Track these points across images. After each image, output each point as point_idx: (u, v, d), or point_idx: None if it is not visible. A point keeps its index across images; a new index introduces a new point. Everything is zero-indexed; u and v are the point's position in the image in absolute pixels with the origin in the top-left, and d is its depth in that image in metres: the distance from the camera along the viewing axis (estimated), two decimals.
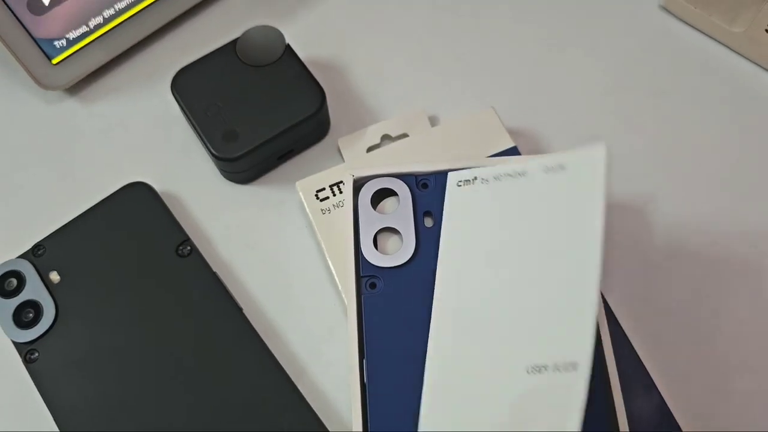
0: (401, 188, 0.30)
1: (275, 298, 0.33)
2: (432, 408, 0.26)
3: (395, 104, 0.38)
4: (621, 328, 0.31)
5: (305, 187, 0.33)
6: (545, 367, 0.24)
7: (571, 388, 0.23)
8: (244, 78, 0.35)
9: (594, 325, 0.24)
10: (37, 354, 0.31)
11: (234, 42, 0.36)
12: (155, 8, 0.39)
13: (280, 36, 0.36)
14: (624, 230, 0.34)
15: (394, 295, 0.28)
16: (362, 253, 0.29)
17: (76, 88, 0.39)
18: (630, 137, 0.37)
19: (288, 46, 0.36)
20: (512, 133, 0.35)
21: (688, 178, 0.35)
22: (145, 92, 0.39)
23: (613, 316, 0.31)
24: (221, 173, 0.36)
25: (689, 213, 0.35)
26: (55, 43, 0.37)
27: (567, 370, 0.24)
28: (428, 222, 0.30)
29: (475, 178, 0.29)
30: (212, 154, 0.34)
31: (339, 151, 0.36)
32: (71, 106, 0.39)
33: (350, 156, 0.35)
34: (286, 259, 0.34)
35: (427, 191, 0.30)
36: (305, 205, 0.33)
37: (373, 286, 0.29)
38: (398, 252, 0.29)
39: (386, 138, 0.36)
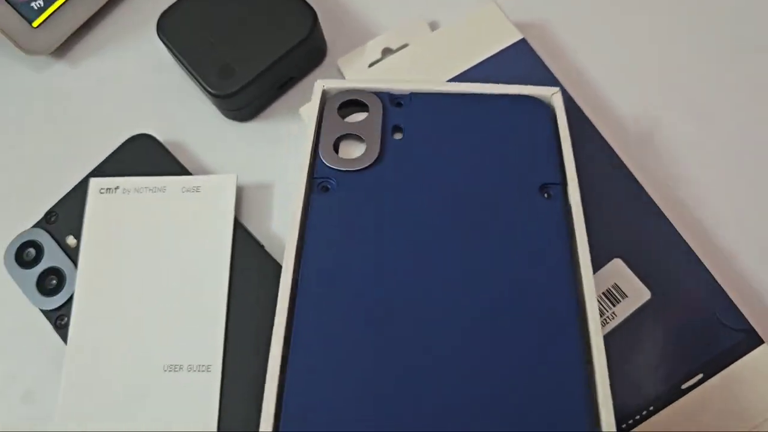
0: (373, 101, 0.28)
1: None
2: (70, 401, 0.29)
3: (392, 15, 0.36)
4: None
5: (310, 111, 0.32)
6: (180, 367, 0.29)
7: (206, 387, 0.28)
8: (231, 9, 0.33)
9: (222, 334, 0.29)
10: (66, 319, 0.31)
11: None
12: None
13: None
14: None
15: (347, 199, 0.26)
16: (320, 155, 0.27)
17: (62, 50, 0.37)
18: (636, 18, 0.34)
19: None
20: (520, 26, 0.33)
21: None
22: (133, 42, 0.37)
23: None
24: (223, 113, 0.35)
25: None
26: (32, 4, 0.36)
27: (201, 371, 0.29)
28: (397, 136, 0.28)
29: (117, 187, 0.32)
30: (210, 93, 0.32)
31: (339, 71, 0.34)
32: (61, 68, 0.37)
33: (352, 74, 0.34)
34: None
35: (400, 109, 0.28)
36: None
37: (325, 189, 0.26)
38: (359, 157, 0.27)
39: (387, 51, 0.34)
